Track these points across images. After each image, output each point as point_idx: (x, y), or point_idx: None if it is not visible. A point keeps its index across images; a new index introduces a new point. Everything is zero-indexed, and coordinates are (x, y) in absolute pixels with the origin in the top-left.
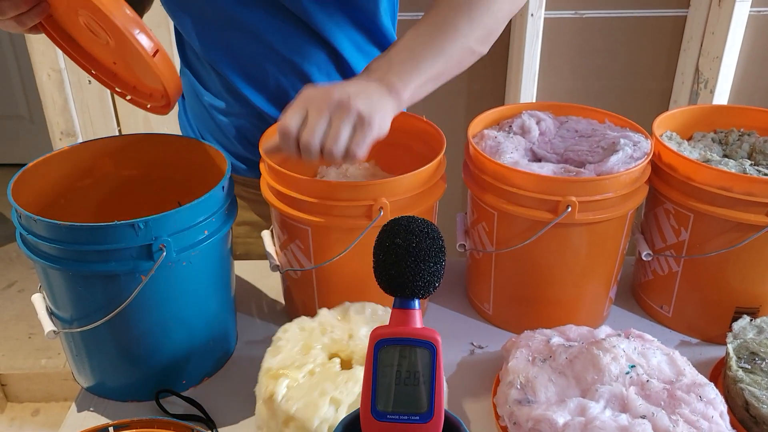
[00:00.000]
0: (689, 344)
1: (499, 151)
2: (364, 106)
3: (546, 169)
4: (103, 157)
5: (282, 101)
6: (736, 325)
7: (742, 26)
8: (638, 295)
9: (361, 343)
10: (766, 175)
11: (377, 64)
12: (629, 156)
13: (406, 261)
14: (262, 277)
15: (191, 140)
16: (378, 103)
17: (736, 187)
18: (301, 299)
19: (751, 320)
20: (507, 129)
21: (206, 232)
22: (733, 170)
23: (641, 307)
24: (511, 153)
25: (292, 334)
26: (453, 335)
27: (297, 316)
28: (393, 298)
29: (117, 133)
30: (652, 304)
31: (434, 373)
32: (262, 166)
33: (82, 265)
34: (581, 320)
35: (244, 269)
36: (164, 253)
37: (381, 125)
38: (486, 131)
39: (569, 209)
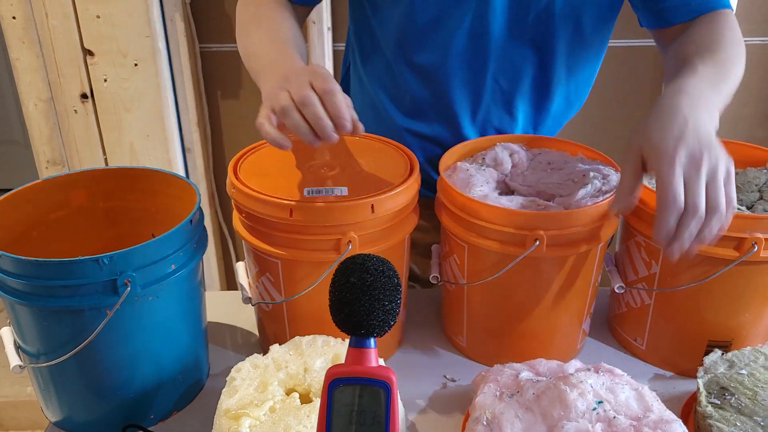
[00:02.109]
0: (663, 377)
1: (470, 183)
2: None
3: (515, 203)
4: (78, 189)
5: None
6: (708, 360)
7: None
8: (613, 327)
9: (317, 375)
10: (737, 208)
11: (696, 88)
12: (598, 189)
13: (361, 300)
14: (239, 308)
15: (165, 173)
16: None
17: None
18: (273, 332)
19: (723, 354)
20: (480, 161)
21: (173, 266)
22: None
23: (616, 340)
24: (482, 186)
25: (246, 373)
26: (426, 368)
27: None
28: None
29: (104, 163)
30: (626, 336)
31: (388, 412)
32: (231, 192)
33: (47, 300)
34: (555, 353)
35: (219, 300)
36: (129, 288)
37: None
38: (459, 163)
39: (537, 243)
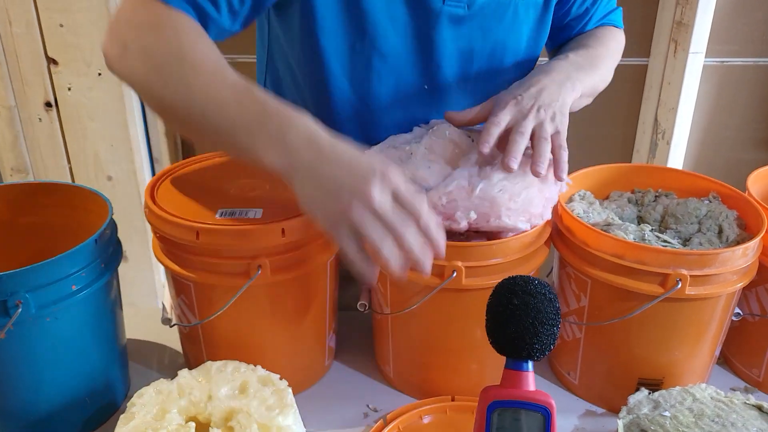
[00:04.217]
0: (594, 414)
1: None
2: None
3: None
4: (0, 203)
5: None
6: (632, 399)
7: (696, 77)
8: (550, 359)
9: (220, 404)
10: (666, 242)
11: (558, 67)
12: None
13: (524, 323)
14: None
15: (82, 189)
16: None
17: (628, 255)
18: (194, 354)
19: (650, 393)
20: None
21: (75, 287)
22: (631, 236)
23: (553, 373)
24: None
25: (147, 399)
26: (351, 395)
27: (191, 369)
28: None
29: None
30: (561, 369)
31: None
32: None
33: None
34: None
35: (154, 316)
36: (20, 309)
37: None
38: None
39: (454, 274)
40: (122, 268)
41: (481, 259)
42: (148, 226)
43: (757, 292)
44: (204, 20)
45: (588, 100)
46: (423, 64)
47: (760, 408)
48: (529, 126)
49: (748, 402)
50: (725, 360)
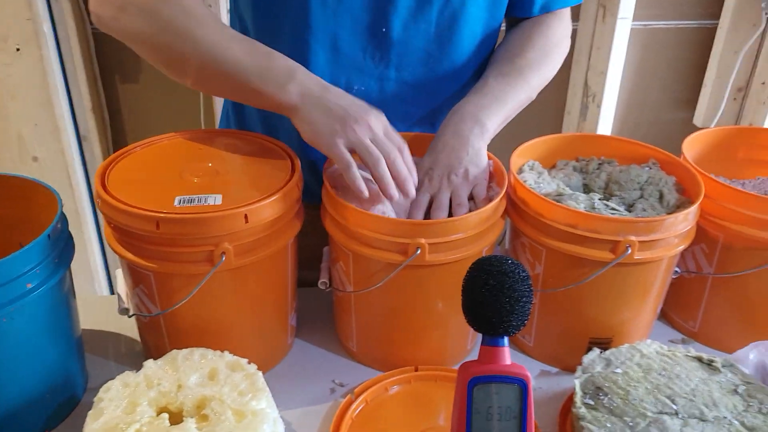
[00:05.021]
0: (549, 374)
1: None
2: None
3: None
4: None
5: None
6: (586, 359)
7: (624, 42)
8: None
9: (191, 392)
10: (614, 210)
11: (467, 112)
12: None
13: (501, 301)
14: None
15: (27, 180)
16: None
17: (581, 224)
18: (154, 343)
19: (601, 352)
20: None
21: (30, 285)
22: (581, 206)
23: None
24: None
25: (114, 393)
26: (316, 372)
27: (152, 358)
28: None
29: None
30: (517, 333)
31: (525, 408)
32: (98, 203)
33: None
34: (447, 357)
35: (103, 304)
36: None
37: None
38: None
39: (419, 251)
40: None
41: (443, 236)
42: (81, 209)
43: (693, 251)
44: None
45: (514, 114)
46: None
47: (700, 359)
48: (445, 198)
49: (689, 354)
50: (664, 314)
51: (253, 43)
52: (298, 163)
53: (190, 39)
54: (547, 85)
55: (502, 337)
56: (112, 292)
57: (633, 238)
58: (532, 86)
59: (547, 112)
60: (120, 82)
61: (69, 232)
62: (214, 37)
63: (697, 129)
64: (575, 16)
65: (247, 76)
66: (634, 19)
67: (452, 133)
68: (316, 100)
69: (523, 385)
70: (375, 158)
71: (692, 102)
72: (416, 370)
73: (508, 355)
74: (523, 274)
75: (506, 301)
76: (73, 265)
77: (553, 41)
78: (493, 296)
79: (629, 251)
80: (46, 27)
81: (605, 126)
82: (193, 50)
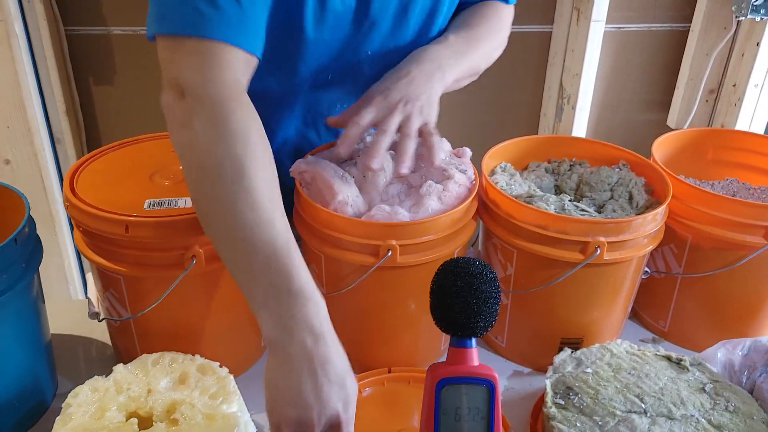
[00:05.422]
0: (521, 374)
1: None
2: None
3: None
4: None
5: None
6: (557, 359)
7: (598, 44)
8: None
9: (161, 397)
10: (584, 211)
11: (431, 55)
12: (454, 196)
13: (469, 303)
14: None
15: None
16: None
17: (551, 225)
18: (125, 347)
19: (572, 352)
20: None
21: None
22: (552, 207)
23: (481, 337)
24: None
25: (83, 398)
26: None
27: (123, 362)
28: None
29: None
30: (489, 334)
31: (493, 409)
32: (66, 207)
33: None
34: (420, 358)
35: (74, 308)
36: None
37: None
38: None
39: (390, 253)
40: None
41: (414, 237)
42: (55, 212)
43: (662, 251)
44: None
45: (469, 80)
46: None
47: (668, 358)
48: (394, 122)
49: (658, 353)
50: (634, 314)
51: (281, 256)
52: None
53: (230, 206)
54: (522, 88)
55: (470, 339)
56: (87, 295)
57: (602, 238)
58: (485, 54)
59: (523, 114)
60: (94, 83)
61: (37, 235)
62: (253, 220)
63: (670, 130)
64: (549, 20)
65: (252, 281)
66: (608, 21)
67: (417, 68)
68: (299, 358)
69: (490, 386)
70: None
71: (666, 104)
72: (389, 371)
73: (476, 356)
74: (491, 275)
75: (474, 302)
76: (48, 269)
77: (502, 22)
78: (461, 297)
79: (598, 252)
80: (18, 28)
81: (580, 127)
82: (221, 219)
